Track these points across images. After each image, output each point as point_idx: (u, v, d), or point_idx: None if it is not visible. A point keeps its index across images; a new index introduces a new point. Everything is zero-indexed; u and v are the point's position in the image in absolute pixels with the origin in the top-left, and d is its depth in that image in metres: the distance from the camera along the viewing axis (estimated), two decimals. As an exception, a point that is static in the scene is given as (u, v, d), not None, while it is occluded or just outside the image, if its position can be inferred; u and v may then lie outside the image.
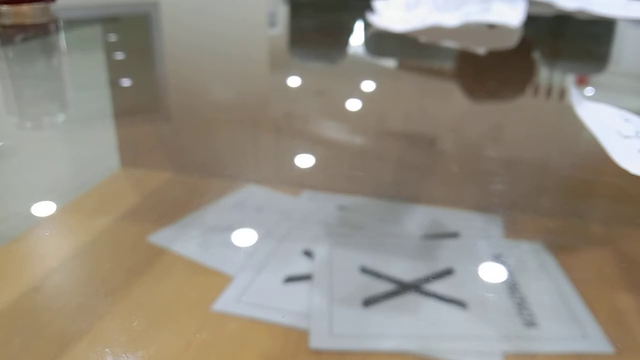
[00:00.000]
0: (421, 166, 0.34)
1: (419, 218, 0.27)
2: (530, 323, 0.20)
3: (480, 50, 0.64)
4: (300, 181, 0.31)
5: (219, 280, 0.22)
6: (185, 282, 0.22)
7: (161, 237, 0.25)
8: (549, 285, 0.22)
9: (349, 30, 0.81)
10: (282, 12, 0.95)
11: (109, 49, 0.65)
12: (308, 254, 0.24)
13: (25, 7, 0.73)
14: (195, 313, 0.20)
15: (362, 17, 0.76)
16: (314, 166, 0.33)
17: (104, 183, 0.31)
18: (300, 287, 0.22)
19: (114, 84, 0.52)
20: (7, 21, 0.72)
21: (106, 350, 0.18)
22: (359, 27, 0.80)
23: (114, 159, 0.35)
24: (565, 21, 0.80)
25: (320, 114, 0.44)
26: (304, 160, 0.34)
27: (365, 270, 0.23)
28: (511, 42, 0.69)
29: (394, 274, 0.22)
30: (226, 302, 0.21)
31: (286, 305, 0.21)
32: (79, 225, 0.26)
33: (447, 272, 0.23)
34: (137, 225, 0.26)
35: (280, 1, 1.02)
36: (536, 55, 0.67)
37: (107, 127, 0.40)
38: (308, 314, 0.20)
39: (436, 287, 0.22)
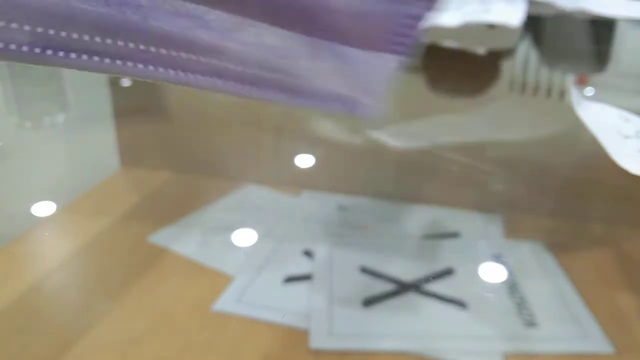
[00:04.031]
0: (421, 166, 0.34)
1: (419, 218, 0.27)
2: (530, 323, 0.20)
3: (480, 50, 0.64)
4: (300, 181, 0.31)
5: (219, 280, 0.22)
6: (185, 282, 0.22)
7: (161, 237, 0.25)
8: (549, 285, 0.22)
9: (349, 30, 0.81)
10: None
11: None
12: (308, 254, 0.24)
13: (25, 7, 0.72)
14: (195, 313, 0.20)
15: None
16: (314, 166, 0.33)
17: (104, 183, 0.31)
18: (300, 287, 0.22)
19: (114, 84, 0.52)
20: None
21: (106, 350, 0.18)
22: (359, 27, 0.80)
23: (114, 159, 0.35)
24: (565, 21, 0.80)
25: (320, 114, 0.44)
26: (304, 160, 0.34)
27: (365, 270, 0.23)
28: (511, 42, 0.69)
29: (394, 274, 0.22)
30: (226, 302, 0.21)
31: (286, 305, 0.21)
32: (79, 225, 0.26)
33: (447, 272, 0.23)
34: (137, 225, 0.26)
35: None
36: (533, 55, 0.67)
37: (107, 127, 0.40)
38: (308, 314, 0.20)
39: (436, 287, 0.22)
